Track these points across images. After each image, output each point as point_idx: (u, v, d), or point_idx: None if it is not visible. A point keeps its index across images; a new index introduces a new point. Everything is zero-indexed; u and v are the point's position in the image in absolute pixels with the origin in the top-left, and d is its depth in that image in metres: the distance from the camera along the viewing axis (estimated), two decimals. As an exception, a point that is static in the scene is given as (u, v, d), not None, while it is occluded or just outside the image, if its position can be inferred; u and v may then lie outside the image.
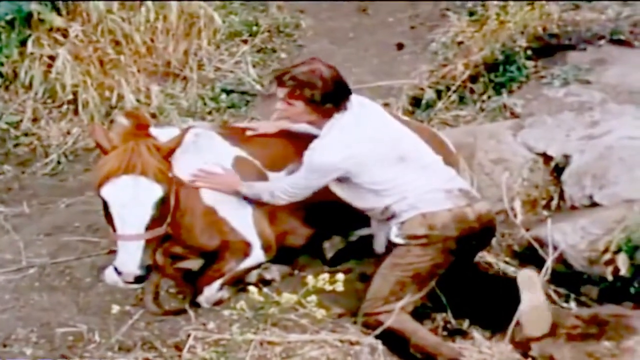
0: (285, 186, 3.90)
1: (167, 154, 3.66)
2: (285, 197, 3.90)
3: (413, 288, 3.76)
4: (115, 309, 3.52)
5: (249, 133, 4.30)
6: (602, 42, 5.80)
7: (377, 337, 3.64)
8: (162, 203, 3.61)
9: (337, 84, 3.74)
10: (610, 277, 3.80)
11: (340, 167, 3.72)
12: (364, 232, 4.32)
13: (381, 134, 3.82)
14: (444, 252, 3.75)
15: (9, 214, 5.15)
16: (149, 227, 3.57)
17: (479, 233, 3.83)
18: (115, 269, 3.62)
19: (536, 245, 4.09)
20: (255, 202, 4.06)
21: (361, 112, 3.82)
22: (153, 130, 3.80)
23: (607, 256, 3.83)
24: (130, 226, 3.54)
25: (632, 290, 3.77)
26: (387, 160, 3.76)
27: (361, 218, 4.08)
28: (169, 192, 3.65)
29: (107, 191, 3.54)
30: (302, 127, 4.11)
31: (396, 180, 3.76)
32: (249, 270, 4.12)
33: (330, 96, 3.71)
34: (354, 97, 3.83)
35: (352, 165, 3.71)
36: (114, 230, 3.58)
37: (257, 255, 4.10)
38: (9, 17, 6.17)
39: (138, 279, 3.60)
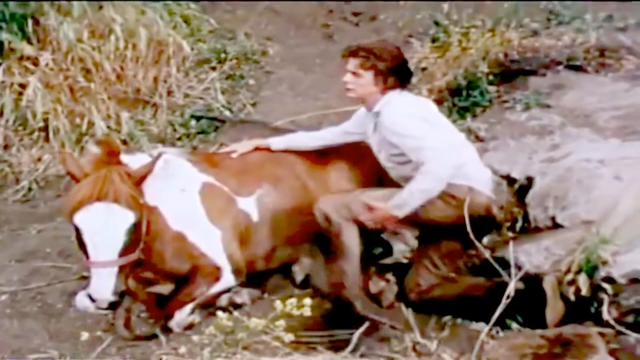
0: (427, 171, 3.80)
1: (138, 180, 3.71)
2: (434, 180, 3.81)
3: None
4: (85, 335, 3.55)
5: (233, 155, 4.44)
6: (560, 67, 5.93)
7: None
8: (135, 229, 3.65)
9: (404, 60, 4.12)
10: (572, 297, 3.87)
11: (420, 119, 3.97)
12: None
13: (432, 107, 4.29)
14: (452, 222, 3.93)
15: (-20, 240, 5.14)
16: (122, 254, 3.61)
17: (485, 223, 4.09)
18: (89, 295, 3.63)
19: (499, 267, 4.15)
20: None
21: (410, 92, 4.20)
22: (124, 157, 3.85)
23: (570, 276, 3.89)
24: (103, 253, 3.57)
25: (592, 309, 3.84)
26: (448, 128, 4.16)
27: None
28: (141, 219, 3.70)
29: (80, 218, 3.58)
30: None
31: (458, 147, 4.05)
32: (219, 294, 4.15)
33: (397, 69, 4.03)
34: None
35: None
36: (87, 257, 3.60)
37: (228, 279, 4.14)
38: (-20, 46, 6.20)
39: (112, 305, 3.62)
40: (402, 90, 4.07)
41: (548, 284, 3.82)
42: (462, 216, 3.83)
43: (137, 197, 3.68)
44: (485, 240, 4.47)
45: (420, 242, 4.28)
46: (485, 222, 4.06)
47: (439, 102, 5.84)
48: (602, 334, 3.66)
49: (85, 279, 4.31)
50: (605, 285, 3.77)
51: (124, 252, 3.62)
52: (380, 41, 4.24)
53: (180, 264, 4.08)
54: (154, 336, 3.95)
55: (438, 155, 3.78)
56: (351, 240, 4.01)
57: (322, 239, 4.14)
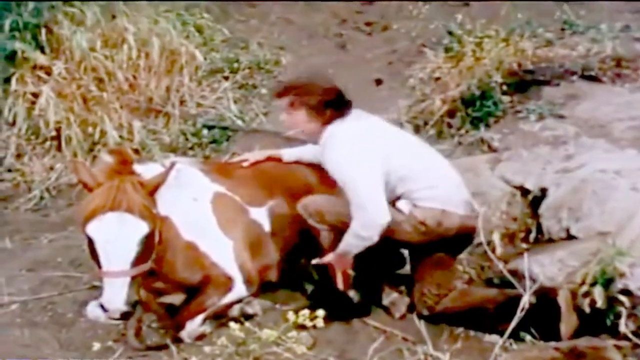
0: (360, 220, 3.81)
1: (151, 190, 3.70)
2: (368, 228, 3.81)
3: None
4: (97, 345, 3.53)
5: (244, 164, 4.45)
6: (574, 77, 5.89)
7: None
8: (147, 239, 3.63)
9: (335, 91, 3.97)
10: (587, 309, 3.83)
11: (363, 158, 3.82)
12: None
13: (391, 131, 4.12)
14: (424, 241, 3.95)
15: (-9, 249, 5.15)
16: (134, 264, 3.58)
17: (459, 239, 4.06)
18: (101, 305, 3.61)
19: (513, 279, 4.13)
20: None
21: (361, 116, 4.03)
22: (136, 167, 3.84)
23: (584, 288, 3.85)
24: (116, 263, 3.55)
25: (608, 322, 3.80)
26: (409, 151, 4.01)
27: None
28: (154, 229, 3.68)
29: (92, 228, 3.56)
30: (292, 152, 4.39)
31: (427, 169, 3.98)
32: (231, 304, 4.13)
33: (330, 102, 3.90)
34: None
35: (376, 157, 3.85)
36: (100, 267, 3.58)
37: (239, 289, 4.12)
38: (-7, 56, 6.23)
39: (124, 315, 3.60)
40: (344, 120, 3.93)
41: (563, 298, 3.78)
42: (435, 236, 3.90)
43: (150, 207, 3.66)
44: (498, 251, 4.45)
45: (411, 258, 4.23)
46: (462, 238, 4.05)
47: (452, 112, 5.84)
48: (618, 347, 3.62)
49: (96, 288, 4.31)
50: (622, 298, 3.72)
51: (137, 262, 3.60)
52: (311, 76, 4.14)
53: (191, 274, 4.07)
54: (165, 346, 3.93)
55: (368, 205, 3.76)
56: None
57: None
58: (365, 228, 3.79)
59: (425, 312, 4.09)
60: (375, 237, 3.80)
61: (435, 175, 4.01)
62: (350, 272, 4.16)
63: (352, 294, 4.20)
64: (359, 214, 3.77)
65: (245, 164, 4.48)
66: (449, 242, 3.99)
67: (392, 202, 3.90)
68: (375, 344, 3.89)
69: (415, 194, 3.91)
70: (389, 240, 3.92)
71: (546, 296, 3.81)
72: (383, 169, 3.83)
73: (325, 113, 3.91)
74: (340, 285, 4.12)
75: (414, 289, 4.14)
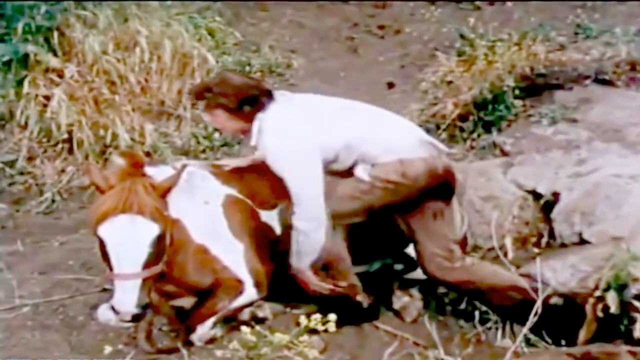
0: (298, 214, 3.89)
1: (163, 192, 3.69)
2: (308, 220, 3.89)
3: (358, 218, 3.99)
4: (108, 349, 3.53)
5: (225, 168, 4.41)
6: (588, 81, 5.86)
7: None
8: (159, 241, 3.62)
9: (249, 87, 3.93)
10: (601, 315, 3.81)
11: (301, 148, 3.82)
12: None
13: (321, 105, 4.02)
14: (404, 197, 3.91)
15: (3, 252, 5.14)
16: (145, 266, 3.57)
17: (442, 186, 3.98)
18: (112, 307, 3.59)
19: (524, 282, 4.11)
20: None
21: (286, 101, 3.96)
22: (148, 169, 3.83)
23: (597, 294, 3.84)
24: (127, 265, 3.53)
25: (621, 327, 3.78)
26: (347, 117, 3.95)
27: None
28: (165, 231, 3.66)
29: (104, 230, 3.55)
30: None
31: (371, 127, 3.95)
32: (241, 308, 4.12)
33: (245, 100, 3.87)
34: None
35: (311, 138, 3.83)
36: (111, 269, 3.57)
37: (250, 293, 4.10)
38: (5, 58, 6.26)
39: (135, 318, 3.57)
40: (268, 111, 3.90)
41: (590, 305, 3.76)
42: (413, 191, 3.88)
43: (162, 209, 3.65)
44: (510, 255, 4.44)
45: (403, 221, 4.11)
46: (442, 183, 3.99)
47: (464, 116, 5.82)
48: (632, 353, 3.58)
49: (108, 291, 4.32)
50: (636, 303, 3.70)
51: (148, 264, 3.58)
52: (223, 75, 4.10)
53: (202, 278, 4.05)
54: (175, 350, 3.93)
55: (304, 201, 3.84)
56: (338, 246, 4.04)
57: None
58: (304, 220, 3.86)
59: (439, 274, 4.03)
60: (318, 232, 3.86)
61: (382, 129, 3.98)
62: (357, 281, 4.17)
63: (360, 298, 4.19)
64: (297, 209, 3.87)
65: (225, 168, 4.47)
66: (431, 190, 3.92)
67: (351, 170, 3.93)
68: (387, 348, 3.87)
69: (369, 154, 3.90)
70: (375, 213, 3.95)
71: (573, 301, 3.79)
72: (322, 151, 3.84)
73: (244, 111, 3.90)
74: (313, 288, 4.08)
75: (420, 252, 4.07)
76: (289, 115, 3.91)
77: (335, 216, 3.95)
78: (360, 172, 3.90)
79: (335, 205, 3.93)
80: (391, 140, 3.92)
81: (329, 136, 3.88)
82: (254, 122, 3.90)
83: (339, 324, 3.58)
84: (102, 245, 3.58)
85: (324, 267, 4.09)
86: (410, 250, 4.37)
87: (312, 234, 3.89)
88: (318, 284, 4.05)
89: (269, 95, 3.94)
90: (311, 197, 3.86)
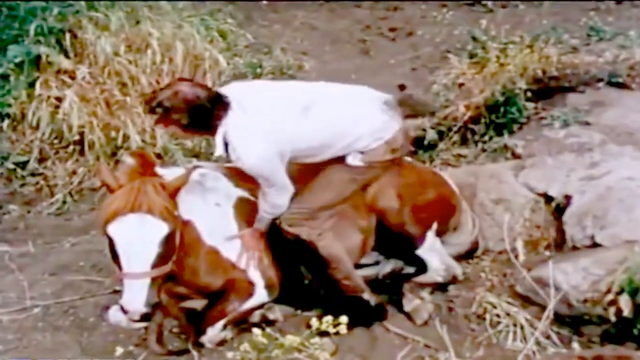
0: (264, 200, 4.00)
1: (172, 192, 3.69)
2: (277, 207, 4.01)
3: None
4: (120, 350, 3.53)
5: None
6: (601, 84, 5.82)
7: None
8: (168, 241, 3.62)
9: (202, 103, 3.74)
10: (613, 318, 3.79)
11: (270, 155, 3.81)
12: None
13: (277, 102, 3.92)
14: (394, 164, 4.17)
15: (14, 253, 5.17)
16: (155, 265, 3.57)
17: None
18: (121, 307, 3.60)
19: (537, 286, 4.10)
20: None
21: (245, 102, 3.84)
22: (159, 170, 3.84)
23: (610, 297, 3.81)
24: (136, 264, 3.54)
25: (635, 331, 3.75)
26: (295, 119, 3.88)
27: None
28: (175, 230, 3.67)
29: (113, 229, 3.55)
30: None
31: (342, 120, 3.96)
32: (252, 310, 4.13)
33: (199, 116, 3.75)
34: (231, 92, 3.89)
35: (282, 144, 3.83)
36: (120, 268, 3.57)
37: (261, 295, 4.11)
38: (18, 60, 6.27)
39: (144, 317, 3.57)
40: (227, 122, 3.78)
41: None
42: (401, 156, 4.19)
43: (171, 209, 3.65)
44: (521, 258, 4.43)
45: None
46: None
47: (476, 118, 5.80)
48: (645, 356, 3.57)
49: (118, 293, 4.31)
50: (651, 307, 3.68)
51: (157, 263, 3.58)
52: (174, 85, 3.80)
53: (213, 280, 4.06)
54: (186, 352, 3.94)
55: (282, 189, 3.94)
56: (331, 248, 4.10)
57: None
58: (278, 198, 3.95)
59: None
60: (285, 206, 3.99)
61: (352, 119, 3.99)
62: (358, 275, 4.20)
63: (366, 296, 4.19)
64: (275, 192, 3.93)
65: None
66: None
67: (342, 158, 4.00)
68: (397, 350, 3.87)
69: (357, 145, 3.96)
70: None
71: None
72: (291, 152, 3.88)
73: (198, 125, 3.79)
74: (245, 265, 4.10)
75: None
76: (251, 129, 3.79)
77: (336, 203, 4.09)
78: (353, 160, 3.99)
79: (335, 192, 4.05)
80: (372, 125, 3.97)
81: (297, 141, 3.88)
82: (217, 134, 3.79)
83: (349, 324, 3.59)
84: (112, 245, 3.58)
85: (324, 266, 4.11)
86: (421, 252, 4.37)
87: (279, 210, 4.00)
88: (258, 247, 4.10)
89: (223, 104, 3.79)
90: (284, 184, 3.94)
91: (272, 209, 4.01)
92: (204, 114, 3.74)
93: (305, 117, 3.88)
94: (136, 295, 3.53)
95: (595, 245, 4.28)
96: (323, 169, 4.06)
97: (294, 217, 4.03)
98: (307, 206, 4.04)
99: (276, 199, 3.97)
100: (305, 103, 3.92)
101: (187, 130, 3.80)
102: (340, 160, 4.01)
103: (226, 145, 3.80)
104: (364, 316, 4.14)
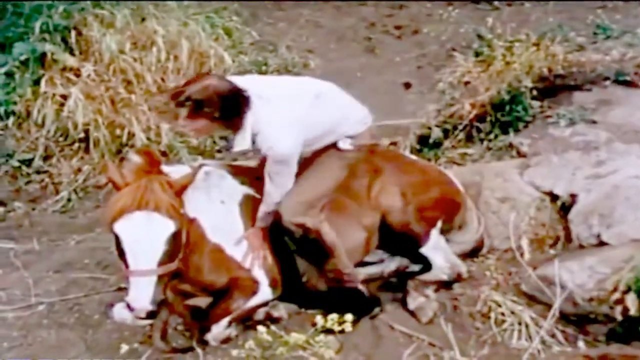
0: (277, 188, 4.05)
1: (179, 190, 3.69)
2: (284, 187, 4.07)
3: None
4: (124, 348, 3.53)
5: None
6: (608, 83, 5.79)
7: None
8: (175, 238, 3.62)
9: (233, 94, 3.81)
10: (619, 317, 3.78)
11: (299, 142, 3.95)
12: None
13: (292, 92, 4.10)
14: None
15: (19, 250, 5.17)
16: (161, 263, 3.57)
17: None
18: (127, 304, 3.59)
19: (542, 285, 4.09)
20: None
21: (264, 94, 3.94)
22: (165, 168, 3.84)
23: (616, 296, 3.81)
24: (142, 261, 3.54)
25: (642, 330, 3.76)
26: (311, 106, 4.04)
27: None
28: (181, 228, 3.67)
29: (120, 227, 3.55)
30: None
31: (341, 111, 4.17)
32: (256, 307, 4.13)
33: (230, 108, 3.80)
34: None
35: (304, 132, 3.97)
36: (126, 266, 3.57)
37: (265, 292, 4.11)
38: (23, 57, 6.28)
39: (150, 315, 3.57)
40: (254, 113, 3.86)
41: None
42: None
43: (178, 207, 3.65)
44: (526, 257, 4.42)
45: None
46: None
47: (481, 116, 5.79)
48: (652, 355, 3.57)
49: (123, 290, 4.32)
50: (657, 306, 3.67)
51: (164, 261, 3.58)
52: (203, 79, 3.85)
53: (217, 277, 4.06)
54: (190, 349, 3.94)
55: (288, 177, 4.04)
56: (332, 235, 4.12)
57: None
58: (281, 188, 4.03)
59: None
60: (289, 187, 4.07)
61: (349, 108, 4.23)
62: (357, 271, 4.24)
63: (361, 287, 4.23)
64: (287, 176, 4.03)
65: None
66: None
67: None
68: (402, 348, 3.87)
69: (349, 131, 4.17)
70: None
71: None
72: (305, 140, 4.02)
73: (228, 117, 3.83)
74: (250, 265, 4.11)
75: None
76: (280, 117, 3.89)
77: (333, 189, 4.20)
78: (343, 144, 4.16)
79: (331, 179, 4.18)
80: (359, 112, 4.26)
81: (313, 128, 4.02)
82: (245, 125, 3.86)
83: (342, 313, 3.59)
84: (118, 242, 3.58)
85: (316, 252, 4.13)
86: (425, 251, 4.37)
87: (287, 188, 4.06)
88: (262, 246, 4.13)
89: (246, 97, 3.86)
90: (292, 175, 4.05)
91: (281, 189, 4.04)
92: (234, 105, 3.80)
93: (317, 105, 4.04)
94: (142, 293, 3.53)
95: (601, 243, 4.26)
96: (316, 158, 4.16)
97: (296, 208, 4.05)
98: (307, 196, 4.08)
99: (287, 181, 4.03)
100: (315, 92, 4.09)
101: (216, 122, 3.82)
102: (328, 148, 4.16)
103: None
104: (361, 309, 4.14)
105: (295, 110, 3.94)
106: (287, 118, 3.89)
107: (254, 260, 4.08)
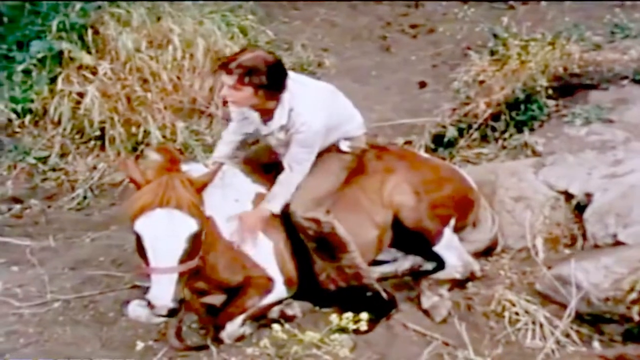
0: (297, 174, 4.15)
1: (199, 188, 3.70)
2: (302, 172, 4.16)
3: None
4: (140, 345, 3.54)
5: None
6: (625, 82, 5.76)
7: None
8: (196, 236, 3.63)
9: (280, 67, 3.98)
10: (636, 317, 3.76)
11: (325, 126, 4.06)
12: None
13: (318, 85, 4.30)
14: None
15: (35, 247, 5.19)
16: (182, 260, 3.58)
17: None
18: (148, 302, 3.60)
19: (557, 284, 4.08)
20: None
21: (297, 78, 4.16)
22: (183, 166, 3.84)
23: (633, 296, 3.79)
24: (164, 259, 3.55)
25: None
26: (332, 98, 4.25)
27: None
28: (202, 226, 3.68)
29: (141, 224, 3.56)
30: None
31: (346, 109, 4.35)
32: (271, 305, 4.13)
33: (276, 79, 3.93)
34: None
35: (329, 118, 4.10)
36: (147, 263, 3.58)
37: (280, 290, 4.12)
38: (40, 55, 6.31)
39: (171, 312, 3.58)
40: (291, 92, 4.01)
41: None
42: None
43: (199, 205, 3.66)
44: (541, 256, 4.41)
45: None
46: None
47: (496, 115, 5.78)
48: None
49: (138, 288, 4.35)
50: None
51: (185, 258, 3.59)
52: (252, 50, 4.06)
53: (232, 275, 4.07)
54: (205, 347, 3.94)
55: (306, 163, 4.14)
56: (344, 231, 4.14)
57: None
58: (299, 174, 4.13)
59: None
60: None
61: (350, 108, 4.37)
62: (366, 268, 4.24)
63: (376, 286, 4.22)
64: (307, 162, 4.14)
65: None
66: None
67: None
68: (416, 347, 3.86)
69: (349, 133, 4.32)
70: None
71: None
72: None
73: (271, 89, 3.93)
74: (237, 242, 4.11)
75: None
76: (314, 98, 4.06)
77: (336, 189, 4.26)
78: (343, 146, 4.30)
79: (335, 179, 4.26)
80: (360, 118, 4.41)
81: (332, 117, 4.13)
82: (281, 101, 3.99)
83: (357, 312, 3.60)
84: (139, 240, 3.59)
85: (331, 248, 4.14)
86: (438, 249, 4.36)
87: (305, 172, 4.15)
88: (256, 228, 4.13)
89: (287, 73, 4.04)
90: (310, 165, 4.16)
91: (301, 176, 4.13)
92: (281, 75, 3.95)
93: (334, 99, 4.24)
94: (164, 290, 3.54)
95: (617, 243, 4.24)
96: (319, 158, 4.20)
97: (308, 204, 4.09)
98: (314, 193, 4.13)
99: (305, 164, 4.12)
100: (331, 87, 4.29)
101: (259, 93, 3.90)
102: (330, 149, 4.26)
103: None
104: (378, 309, 4.14)
105: (325, 96, 4.15)
106: (320, 100, 4.07)
107: (240, 240, 4.07)
